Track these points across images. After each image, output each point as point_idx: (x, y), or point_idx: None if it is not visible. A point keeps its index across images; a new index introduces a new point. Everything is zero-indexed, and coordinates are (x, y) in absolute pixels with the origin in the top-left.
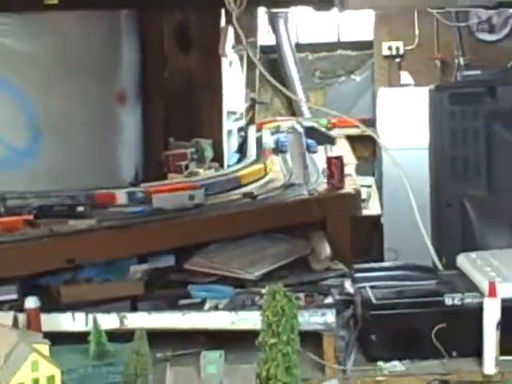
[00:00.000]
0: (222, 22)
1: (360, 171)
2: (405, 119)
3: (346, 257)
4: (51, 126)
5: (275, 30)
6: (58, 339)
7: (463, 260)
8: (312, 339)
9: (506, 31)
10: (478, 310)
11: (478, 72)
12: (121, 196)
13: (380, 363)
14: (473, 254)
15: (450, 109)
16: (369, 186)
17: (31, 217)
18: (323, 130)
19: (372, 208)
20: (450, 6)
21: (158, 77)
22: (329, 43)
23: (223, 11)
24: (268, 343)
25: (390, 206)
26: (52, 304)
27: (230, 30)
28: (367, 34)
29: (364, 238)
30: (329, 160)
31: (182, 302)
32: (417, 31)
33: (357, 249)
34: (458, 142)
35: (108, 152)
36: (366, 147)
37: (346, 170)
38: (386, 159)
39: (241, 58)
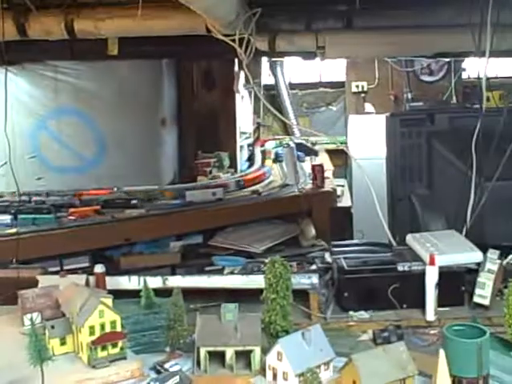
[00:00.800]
0: (236, 68)
1: (336, 175)
2: (368, 137)
3: (326, 236)
4: (113, 143)
5: (274, 73)
6: (119, 295)
7: (410, 239)
8: (302, 295)
9: (441, 74)
10: (422, 274)
11: (421, 103)
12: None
13: (351, 313)
14: (417, 235)
15: (400, 130)
16: (342, 186)
17: (99, 207)
18: (309, 145)
19: (345, 201)
20: (400, 56)
21: (189, 107)
22: (313, 83)
23: (236, 60)
24: (270, 298)
25: (358, 200)
26: (114, 270)
27: (242, 74)
28: (341, 76)
29: (339, 223)
30: (313, 167)
31: (208, 268)
32: (377, 74)
33: (334, 230)
34: (407, 154)
35: (154, 161)
36: (340, 158)
37: (326, 174)
38: (354, 166)
39: (250, 94)
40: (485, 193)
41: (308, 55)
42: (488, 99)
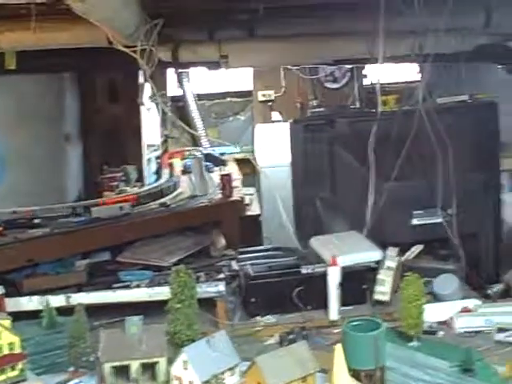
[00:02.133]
0: (141, 80)
1: (244, 184)
2: (275, 145)
3: (236, 245)
4: (13, 160)
5: (181, 84)
6: (21, 317)
7: (314, 242)
8: (210, 304)
9: (344, 81)
10: (325, 276)
11: (322, 109)
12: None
13: (258, 318)
14: (320, 237)
15: (303, 136)
16: (251, 194)
17: (0, 228)
18: (218, 155)
19: (254, 209)
20: (302, 63)
21: (94, 122)
22: (220, 93)
23: (141, 72)
24: (174, 308)
25: (267, 208)
26: (17, 293)
27: (147, 85)
28: (248, 85)
29: (249, 231)
30: (222, 177)
31: (115, 285)
32: (283, 83)
33: (244, 238)
34: (310, 159)
35: (57, 178)
36: (248, 166)
37: (235, 184)
38: (262, 175)
39: (157, 105)
40: (383, 193)
41: (212, 65)
42: (385, 103)
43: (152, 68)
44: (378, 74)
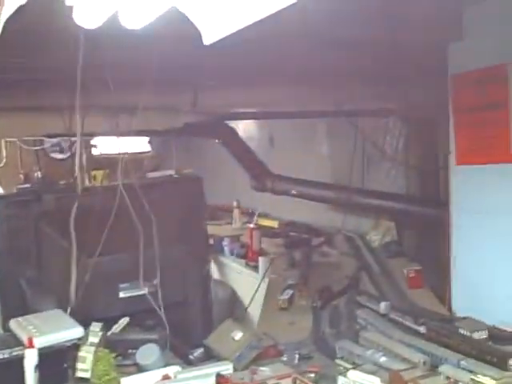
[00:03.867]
0: None
1: None
2: None
3: None
4: None
5: None
6: None
7: (13, 324)
8: None
9: (70, 152)
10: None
11: (28, 185)
12: None
13: None
14: (20, 319)
15: (7, 212)
16: None
17: None
18: None
19: None
20: (18, 136)
21: None
22: None
23: None
24: None
25: None
26: None
27: None
28: None
29: None
30: None
31: None
32: (4, 153)
33: None
34: (15, 236)
35: None
36: None
37: None
38: None
39: None
40: (88, 269)
41: None
42: (95, 178)
43: None
44: (79, 146)
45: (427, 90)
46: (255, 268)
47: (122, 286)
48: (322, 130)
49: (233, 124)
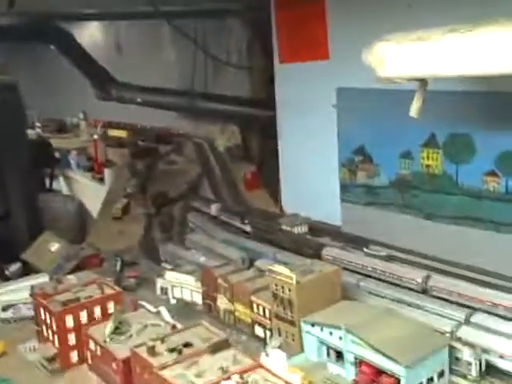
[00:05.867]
0: None
1: None
2: None
3: None
4: None
5: None
6: None
7: None
8: None
9: None
10: None
11: None
12: None
13: None
14: None
15: None
16: None
17: None
18: None
19: None
20: None
21: None
22: None
23: None
24: None
25: None
26: None
27: None
28: None
29: None
30: None
31: None
32: None
33: None
34: None
35: None
36: None
37: None
38: None
39: None
40: None
41: None
42: None
43: None
44: None
45: None
46: (101, 180)
47: None
48: (168, 36)
49: (76, 31)
